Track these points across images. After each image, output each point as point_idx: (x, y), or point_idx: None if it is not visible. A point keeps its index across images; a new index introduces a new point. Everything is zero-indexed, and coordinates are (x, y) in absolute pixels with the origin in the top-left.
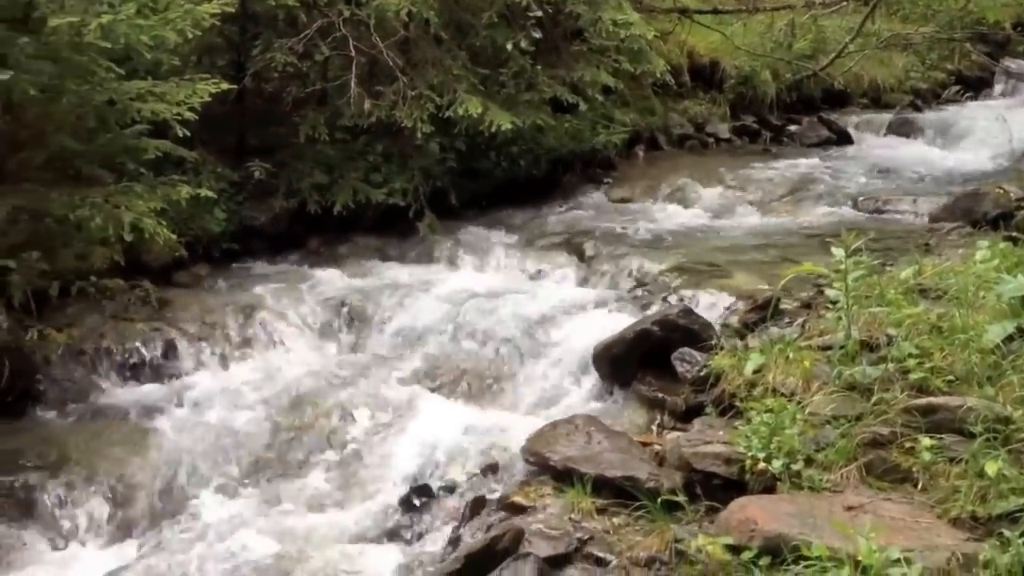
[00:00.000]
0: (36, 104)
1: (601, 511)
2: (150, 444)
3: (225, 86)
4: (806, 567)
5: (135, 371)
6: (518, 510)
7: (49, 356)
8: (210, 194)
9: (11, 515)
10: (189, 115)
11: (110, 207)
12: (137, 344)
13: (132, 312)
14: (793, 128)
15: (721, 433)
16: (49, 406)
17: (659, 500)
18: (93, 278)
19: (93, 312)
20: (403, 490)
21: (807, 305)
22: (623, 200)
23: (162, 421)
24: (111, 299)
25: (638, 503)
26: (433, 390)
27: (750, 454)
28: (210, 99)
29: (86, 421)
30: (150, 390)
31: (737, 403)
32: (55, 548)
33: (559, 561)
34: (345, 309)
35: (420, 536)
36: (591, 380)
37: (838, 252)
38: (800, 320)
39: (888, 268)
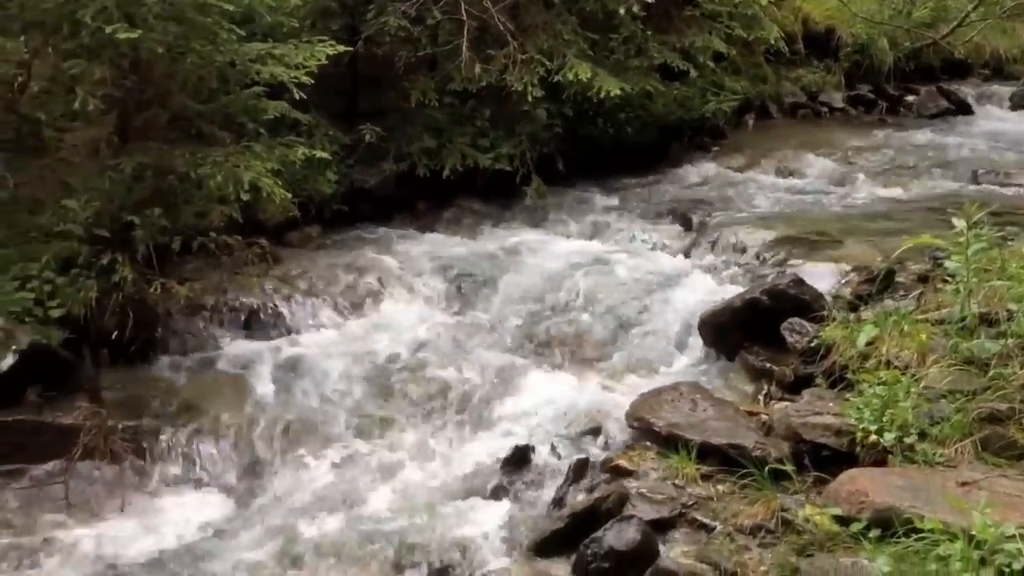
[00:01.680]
0: (161, 63)
1: (705, 478)
2: (264, 396)
3: (341, 48)
4: (917, 540)
5: (251, 325)
6: (622, 473)
7: (170, 309)
8: (325, 155)
9: (134, 458)
10: (306, 79)
11: (230, 166)
12: (253, 300)
13: (249, 269)
14: (910, 98)
15: (831, 404)
16: (169, 356)
17: (766, 469)
18: (212, 234)
19: (212, 268)
20: (508, 450)
21: (923, 278)
22: (732, 169)
23: (275, 374)
24: (229, 255)
25: (743, 471)
26: (538, 353)
27: (861, 426)
28: (325, 62)
29: (204, 372)
30: (265, 344)
31: (848, 375)
32: (174, 491)
33: (662, 525)
34: (452, 272)
35: (523, 495)
36: (696, 348)
37: (959, 223)
38: (916, 293)
39: (1009, 243)
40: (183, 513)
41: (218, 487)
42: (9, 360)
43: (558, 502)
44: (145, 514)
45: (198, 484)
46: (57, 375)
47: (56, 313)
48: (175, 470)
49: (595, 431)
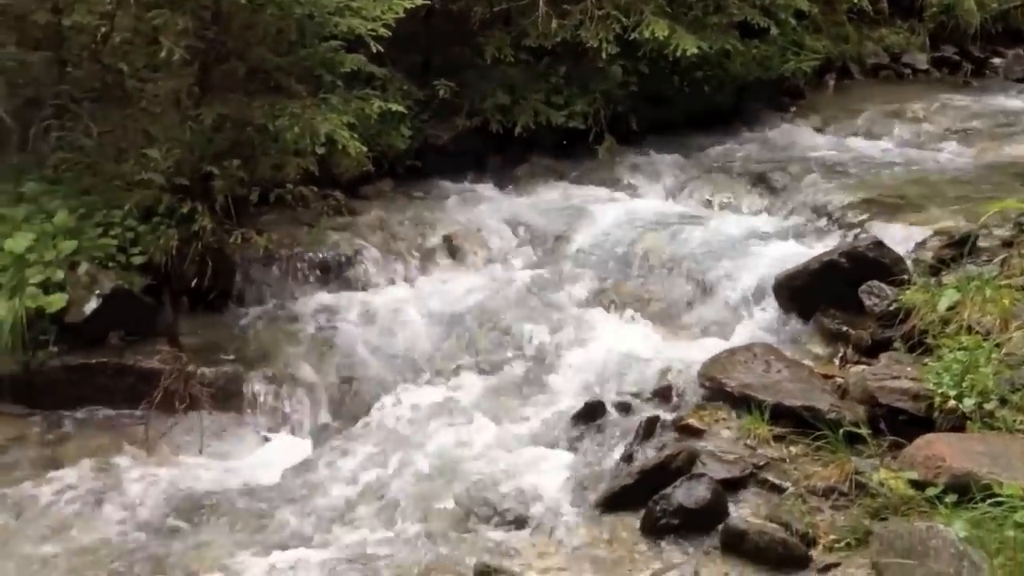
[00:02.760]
0: (242, 15)
1: (778, 439)
2: (338, 346)
3: (419, 1)
4: (994, 506)
5: (325, 277)
6: (692, 432)
7: (248, 258)
8: (400, 109)
9: (214, 403)
10: (383, 31)
11: (307, 118)
12: (328, 252)
13: (324, 221)
14: (997, 61)
15: (909, 369)
16: (246, 305)
17: (840, 432)
18: (289, 186)
19: (288, 219)
20: (578, 405)
21: (1008, 243)
22: (811, 130)
23: (348, 325)
24: (305, 208)
25: (817, 433)
26: (609, 311)
27: (940, 391)
28: (402, 15)
29: (278, 321)
30: (338, 296)
31: (928, 339)
32: (251, 435)
33: (733, 484)
34: (523, 228)
35: (593, 450)
36: (770, 310)
37: None
38: (1000, 258)
39: None
40: (260, 456)
41: (293, 432)
42: (93, 304)
43: (627, 458)
44: (222, 456)
45: (274, 429)
46: (138, 320)
47: (138, 260)
48: (251, 415)
49: (665, 389)
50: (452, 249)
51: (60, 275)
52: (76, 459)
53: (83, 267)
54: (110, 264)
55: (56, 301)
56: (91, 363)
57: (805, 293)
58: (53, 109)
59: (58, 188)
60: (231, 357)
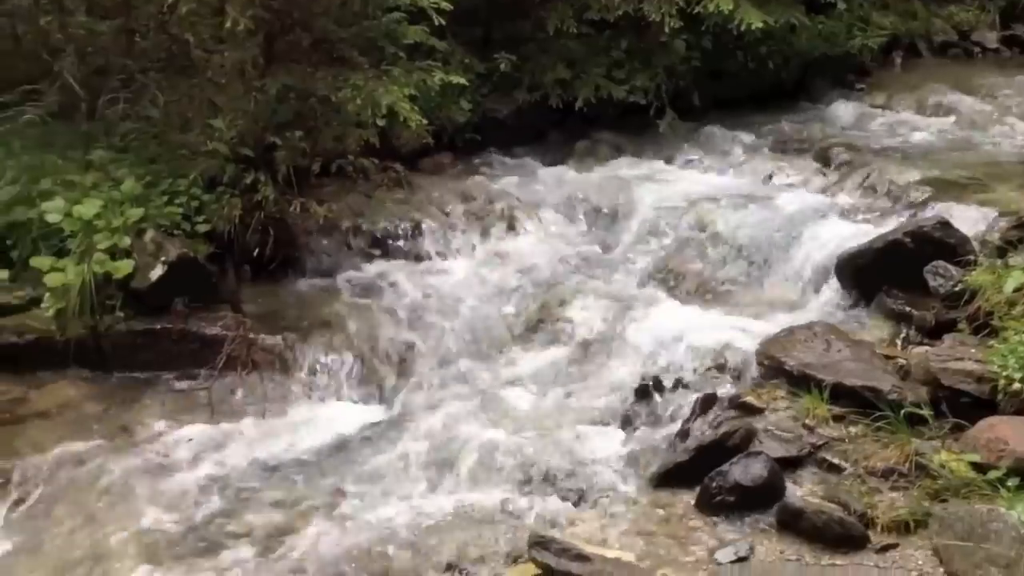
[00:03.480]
0: None
1: (837, 419)
2: (395, 316)
3: None
4: None
5: (384, 248)
6: (750, 410)
7: (309, 228)
8: (462, 81)
9: (273, 369)
10: (445, 4)
11: (369, 90)
12: (387, 223)
13: (384, 193)
14: None
15: (973, 351)
16: (306, 275)
17: (901, 413)
18: (350, 157)
19: (348, 190)
20: (634, 381)
21: None
22: (877, 108)
23: (406, 296)
24: (365, 179)
25: (877, 414)
26: (668, 287)
27: (1005, 374)
28: None
29: (338, 290)
30: (396, 266)
31: (993, 321)
32: (311, 401)
33: (790, 463)
34: (582, 203)
35: (648, 426)
36: (831, 289)
37: None
38: None
39: None
40: (317, 422)
41: (351, 400)
42: (159, 271)
43: (683, 435)
44: (284, 421)
45: (332, 396)
46: (202, 288)
47: (202, 228)
48: (311, 382)
49: (722, 367)
50: (510, 223)
51: (127, 242)
52: (140, 422)
53: (149, 234)
54: (175, 232)
55: (123, 267)
56: (156, 328)
57: (868, 273)
58: (121, 79)
59: (125, 156)
60: (291, 325)
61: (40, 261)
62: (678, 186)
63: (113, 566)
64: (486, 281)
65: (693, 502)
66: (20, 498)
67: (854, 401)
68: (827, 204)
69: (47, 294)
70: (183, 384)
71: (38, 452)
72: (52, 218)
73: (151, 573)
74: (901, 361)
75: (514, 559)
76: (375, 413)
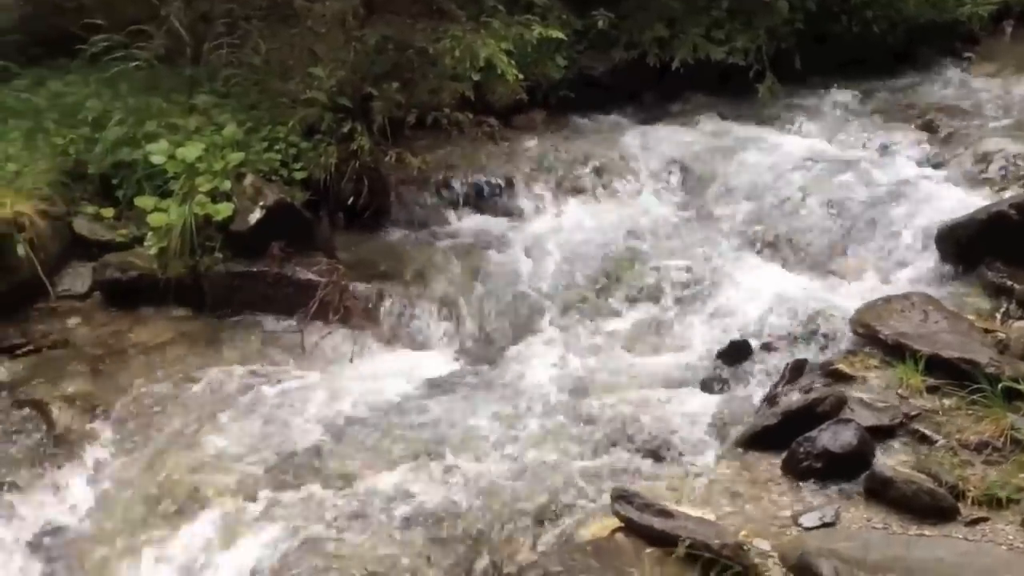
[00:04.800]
0: None
1: (931, 390)
2: (484, 270)
3: None
4: None
5: (475, 202)
6: (841, 378)
7: (402, 179)
8: (560, 35)
9: (363, 317)
10: None
11: (468, 42)
12: (480, 177)
13: (477, 147)
14: None
15: None
16: (398, 225)
17: (998, 386)
18: (446, 110)
19: (442, 143)
20: (724, 344)
21: None
22: (985, 77)
23: (495, 251)
24: (459, 133)
25: (973, 387)
26: (760, 251)
27: None
28: None
29: (429, 243)
30: (488, 221)
31: None
32: (399, 350)
33: (881, 432)
34: (676, 164)
35: (735, 389)
36: (930, 260)
37: None
38: None
39: None
40: (402, 372)
41: (439, 351)
42: (257, 214)
43: (770, 399)
44: (371, 368)
45: (421, 346)
46: (298, 233)
47: (299, 175)
48: (400, 331)
49: (814, 333)
50: (602, 182)
51: (227, 185)
52: (233, 362)
53: (249, 179)
54: (273, 178)
55: (223, 210)
56: (253, 271)
57: (969, 244)
58: (225, 25)
59: (227, 102)
60: (382, 274)
61: (144, 201)
62: (776, 151)
63: (205, 495)
64: (575, 239)
65: (779, 466)
66: (120, 427)
67: (949, 373)
68: (930, 173)
69: (150, 233)
70: (276, 326)
71: (138, 384)
72: (156, 160)
73: (240, 504)
74: (1000, 335)
75: (596, 513)
76: (460, 365)
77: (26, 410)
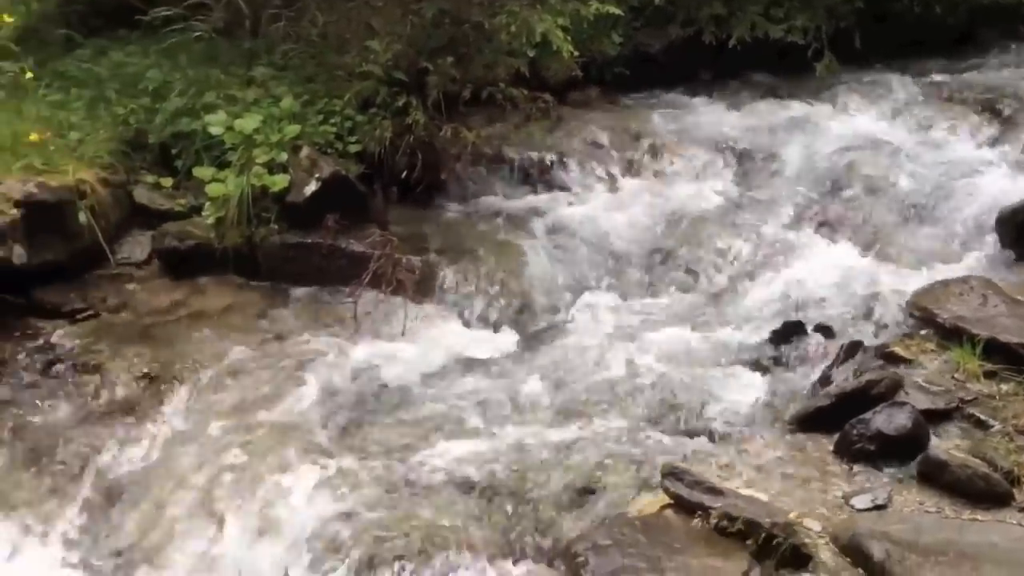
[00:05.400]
0: None
1: (989, 375)
2: (536, 247)
3: None
4: None
5: (529, 178)
6: (896, 360)
7: (456, 154)
8: (617, 11)
9: (415, 290)
10: None
11: (524, 17)
12: (534, 153)
13: (531, 124)
14: None
15: None
16: (451, 200)
17: None
18: (501, 85)
19: (496, 119)
20: (776, 323)
21: None
22: None
23: (549, 228)
24: (514, 108)
25: None
26: (816, 232)
27: None
28: None
29: (482, 218)
30: (541, 197)
31: None
32: (450, 324)
33: (936, 416)
34: (732, 144)
35: (788, 369)
36: (989, 245)
37: None
38: None
39: None
40: (457, 343)
41: (485, 326)
42: (313, 186)
43: (824, 381)
44: (421, 341)
45: (471, 319)
46: (352, 206)
47: (354, 148)
48: (452, 305)
49: (869, 315)
50: (657, 159)
51: (284, 157)
52: (286, 332)
53: (304, 151)
54: (328, 151)
55: (279, 181)
56: (307, 242)
57: None
58: None
59: (285, 75)
60: (435, 248)
61: (202, 171)
62: (833, 131)
63: (262, 458)
64: (629, 216)
65: (831, 448)
66: (182, 394)
67: (1007, 358)
68: (990, 157)
69: (208, 203)
70: (329, 297)
71: (197, 352)
72: (214, 130)
73: (293, 466)
74: None
75: (645, 488)
76: (510, 340)
77: (87, 375)
